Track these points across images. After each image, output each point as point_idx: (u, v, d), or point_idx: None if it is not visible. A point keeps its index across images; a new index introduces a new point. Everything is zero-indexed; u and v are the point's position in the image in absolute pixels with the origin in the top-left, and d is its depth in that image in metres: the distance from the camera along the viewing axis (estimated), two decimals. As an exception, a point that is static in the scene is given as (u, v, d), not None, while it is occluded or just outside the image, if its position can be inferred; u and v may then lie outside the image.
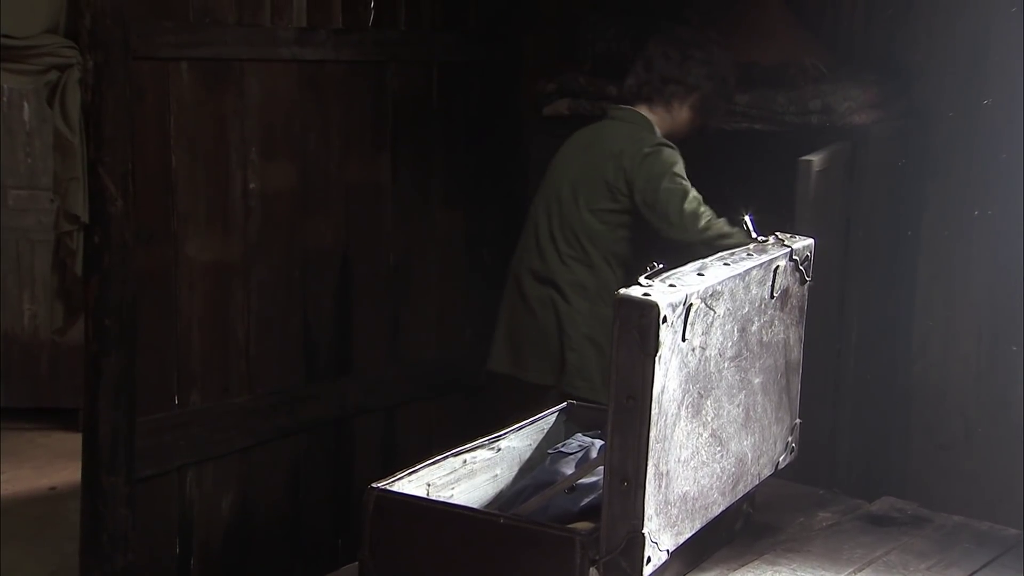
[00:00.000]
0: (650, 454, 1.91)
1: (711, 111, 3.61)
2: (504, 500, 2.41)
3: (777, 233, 2.39)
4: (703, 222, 3.36)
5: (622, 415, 1.91)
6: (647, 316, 1.87)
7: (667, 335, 1.90)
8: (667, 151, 3.49)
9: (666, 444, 1.96)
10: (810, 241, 2.41)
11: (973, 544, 2.43)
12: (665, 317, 1.88)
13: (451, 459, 2.34)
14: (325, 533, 3.98)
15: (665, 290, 1.93)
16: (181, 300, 3.53)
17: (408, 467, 2.24)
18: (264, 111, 3.69)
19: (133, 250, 3.36)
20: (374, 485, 2.14)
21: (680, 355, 1.97)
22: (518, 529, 2.03)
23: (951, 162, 3.83)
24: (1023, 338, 3.78)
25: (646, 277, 1.96)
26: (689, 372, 2.01)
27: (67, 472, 5.25)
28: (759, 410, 2.29)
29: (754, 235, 2.35)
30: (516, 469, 2.51)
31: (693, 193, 3.42)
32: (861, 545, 2.42)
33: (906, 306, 3.93)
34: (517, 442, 2.50)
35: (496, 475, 2.46)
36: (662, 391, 1.92)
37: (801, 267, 2.37)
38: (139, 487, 3.44)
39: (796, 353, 2.42)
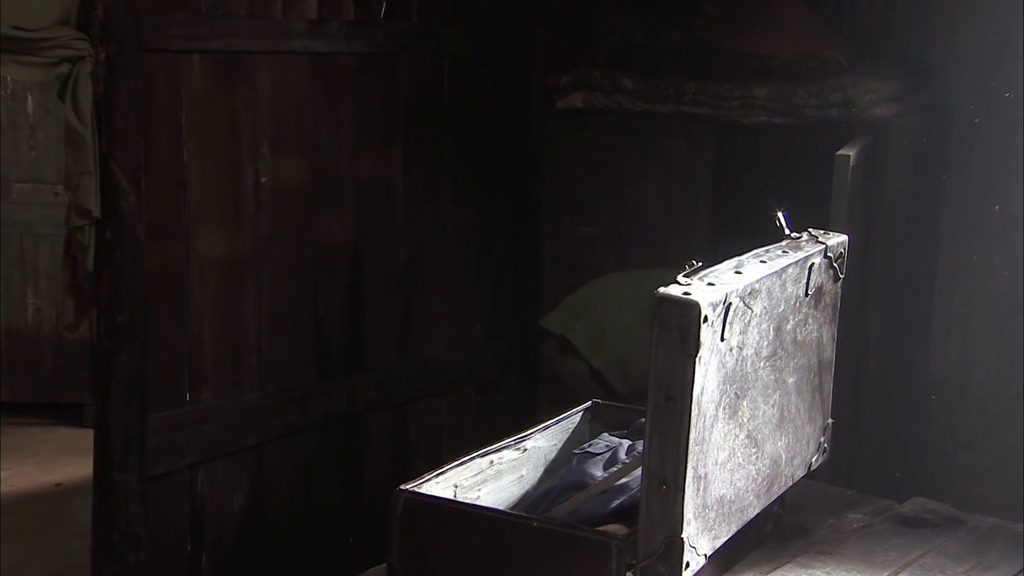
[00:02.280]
0: (689, 457, 1.87)
1: None
2: (531, 501, 2.37)
3: (810, 229, 2.34)
4: None
5: (661, 417, 1.86)
6: (688, 316, 1.83)
7: (707, 335, 1.86)
8: None
9: (704, 446, 1.92)
10: (844, 237, 2.37)
11: (1009, 546, 2.39)
12: (706, 317, 1.84)
13: (478, 460, 2.29)
14: (336, 530, 3.93)
15: (704, 289, 1.89)
16: (192, 296, 3.48)
17: (435, 468, 2.19)
18: (275, 104, 3.64)
19: (145, 245, 3.31)
20: (403, 487, 2.10)
21: (719, 355, 1.92)
22: (552, 533, 1.99)
23: (971, 157, 3.79)
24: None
25: (684, 275, 1.91)
26: (727, 372, 1.96)
27: (72, 468, 5.21)
28: (793, 410, 2.25)
29: (787, 231, 2.30)
30: (542, 469, 2.47)
31: None
32: (894, 548, 2.38)
33: (925, 303, 3.88)
34: (543, 442, 2.46)
35: (522, 476, 2.42)
36: (701, 392, 1.88)
37: (835, 264, 2.32)
38: (150, 485, 3.39)
39: (829, 352, 2.38)
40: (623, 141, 3.82)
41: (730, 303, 1.91)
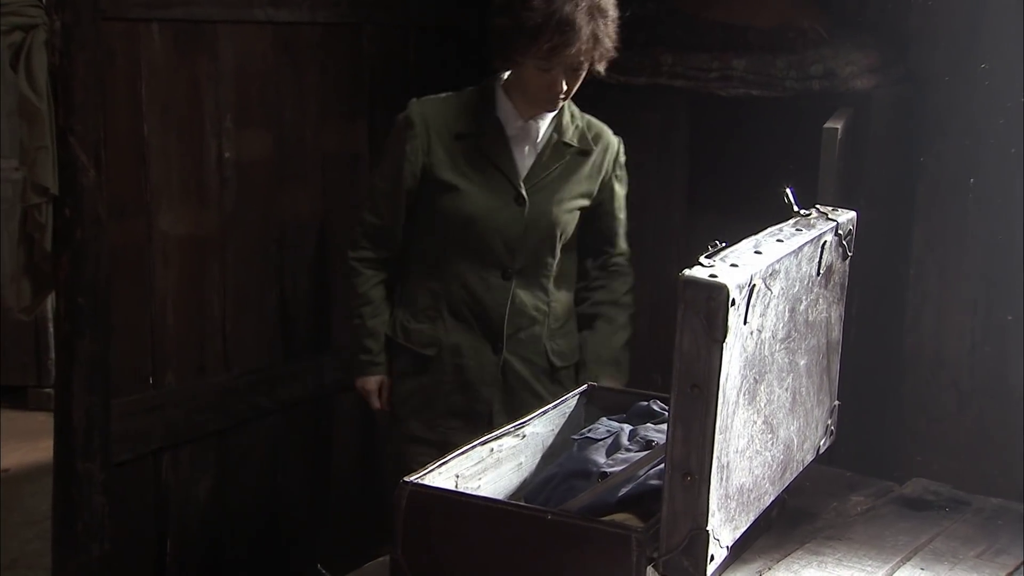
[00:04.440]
0: (715, 446, 1.79)
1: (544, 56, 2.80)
2: (531, 489, 2.28)
3: (818, 206, 2.27)
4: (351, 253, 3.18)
5: (686, 405, 1.78)
6: (715, 299, 1.75)
7: (733, 319, 1.78)
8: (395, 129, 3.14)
9: (727, 435, 1.85)
10: (852, 214, 2.30)
11: (1018, 528, 2.34)
12: (733, 300, 1.76)
13: (479, 448, 2.20)
14: (304, 514, 3.83)
15: (728, 270, 1.81)
16: (155, 277, 3.34)
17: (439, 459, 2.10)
18: (238, 76, 3.50)
19: (106, 224, 3.17)
20: (407, 480, 2.01)
21: (741, 339, 1.85)
22: (567, 526, 1.91)
23: (947, 129, 3.75)
24: (1020, 308, 3.71)
25: (707, 256, 1.83)
26: (747, 357, 1.89)
27: (20, 453, 5.04)
28: (804, 393, 2.19)
29: (796, 208, 2.22)
30: (540, 456, 2.38)
31: (367, 210, 3.15)
32: (903, 531, 2.33)
33: (901, 277, 3.85)
34: (541, 428, 2.37)
35: (521, 463, 2.33)
36: (726, 379, 1.80)
37: (844, 242, 2.26)
38: (114, 473, 3.26)
39: (837, 332, 2.32)
40: (597, 114, 3.71)
41: (754, 285, 1.84)
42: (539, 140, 3.00)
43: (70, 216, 3.11)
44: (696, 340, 1.76)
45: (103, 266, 3.17)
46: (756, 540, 2.23)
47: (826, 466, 2.56)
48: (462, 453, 2.17)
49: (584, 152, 3.04)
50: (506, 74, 3.01)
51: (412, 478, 2.01)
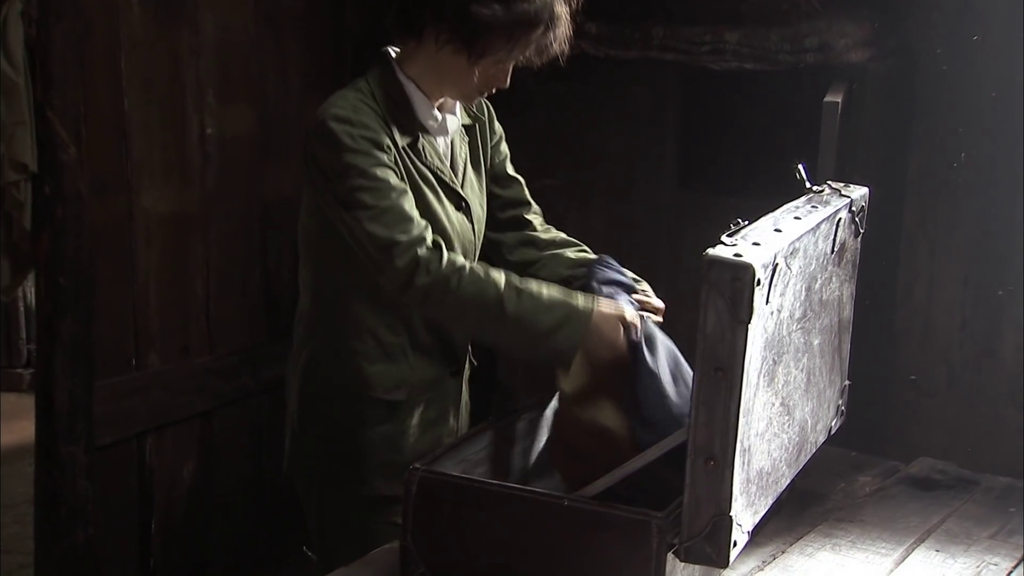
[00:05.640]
0: (739, 430, 1.75)
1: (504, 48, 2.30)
2: (533, 467, 2.23)
3: (830, 182, 2.22)
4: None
5: (709, 388, 1.73)
6: (741, 279, 1.70)
7: (758, 299, 1.73)
8: (341, 130, 2.26)
9: (749, 418, 1.80)
10: (865, 190, 2.26)
11: (1031, 507, 2.32)
12: (759, 280, 1.71)
13: (488, 431, 2.15)
14: (290, 497, 3.75)
15: (751, 249, 1.76)
16: (137, 255, 3.27)
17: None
18: (220, 50, 3.42)
19: (87, 202, 3.08)
20: (417, 465, 1.95)
21: (762, 320, 1.80)
22: (585, 512, 1.86)
23: (940, 103, 3.70)
24: (1010, 283, 3.69)
25: (728, 235, 1.78)
26: (767, 338, 1.84)
27: (-10, 435, 4.94)
28: (817, 373, 2.14)
29: (808, 184, 2.17)
30: (544, 436, 2.33)
31: (396, 206, 2.25)
32: (913, 512, 2.30)
33: (892, 251, 3.82)
34: (550, 411, 2.32)
35: (527, 447, 2.28)
36: (749, 361, 1.75)
37: (857, 219, 2.21)
38: (97, 456, 3.19)
39: (848, 310, 2.28)
40: (586, 89, 3.66)
41: (776, 264, 1.79)
42: (452, 131, 2.46)
43: (50, 194, 3.04)
44: (720, 321, 1.71)
45: (84, 245, 3.09)
46: (766, 523, 2.19)
47: (827, 445, 2.52)
48: (469, 437, 2.12)
49: (473, 124, 2.52)
50: (410, 60, 2.38)
51: (422, 464, 1.96)
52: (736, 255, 1.71)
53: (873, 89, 3.39)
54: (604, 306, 2.19)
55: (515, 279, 2.23)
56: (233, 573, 3.66)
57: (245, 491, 3.66)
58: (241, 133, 3.50)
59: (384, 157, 2.27)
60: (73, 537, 3.17)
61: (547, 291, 2.21)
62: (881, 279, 3.80)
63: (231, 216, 3.49)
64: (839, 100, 3.06)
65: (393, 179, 2.26)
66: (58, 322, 3.06)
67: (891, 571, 2.07)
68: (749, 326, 1.71)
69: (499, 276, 2.23)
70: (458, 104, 2.44)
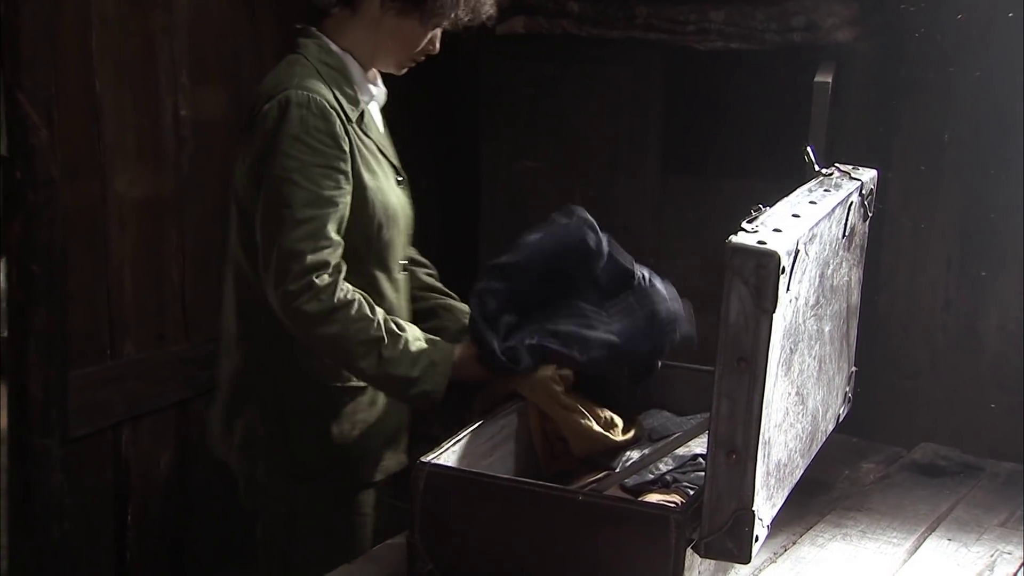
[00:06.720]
0: (761, 422, 1.70)
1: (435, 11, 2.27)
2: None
3: (838, 165, 2.18)
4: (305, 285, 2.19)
5: (732, 380, 1.68)
6: (766, 267, 1.64)
7: (781, 288, 1.68)
8: (297, 113, 2.22)
9: (769, 409, 1.75)
10: (874, 173, 2.22)
11: (1037, 493, 2.30)
12: (784, 268, 1.66)
13: (489, 425, 2.09)
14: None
15: (773, 236, 1.70)
16: (111, 241, 3.18)
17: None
18: (194, 30, 3.33)
19: (59, 186, 2.99)
20: (423, 460, 1.89)
21: (782, 308, 1.75)
22: (600, 507, 1.81)
23: (923, 83, 3.67)
24: (993, 264, 3.67)
25: (749, 221, 1.73)
26: (786, 327, 1.79)
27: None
28: (827, 361, 2.10)
29: (817, 167, 2.12)
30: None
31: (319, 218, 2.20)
32: (921, 500, 2.27)
33: (875, 233, 3.78)
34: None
35: (528, 441, 2.22)
36: (771, 351, 1.70)
37: (866, 202, 2.17)
38: (72, 448, 3.10)
39: (856, 296, 2.24)
40: (568, 69, 3.59)
41: (798, 250, 1.74)
42: (382, 103, 2.44)
43: (21, 178, 2.94)
44: (744, 311, 1.66)
45: (57, 231, 3.00)
46: (775, 513, 2.15)
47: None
48: (473, 431, 2.05)
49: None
50: (341, 32, 2.38)
51: (428, 458, 1.89)
52: (760, 242, 1.66)
53: (860, 69, 3.34)
54: (463, 349, 2.25)
55: (393, 324, 2.23)
56: (211, 566, 3.58)
57: (223, 481, 3.56)
58: (216, 115, 3.41)
59: (335, 160, 2.22)
60: (47, 531, 3.09)
61: (415, 342, 2.24)
62: (864, 261, 3.77)
63: (206, 200, 3.40)
64: (829, 80, 3.01)
65: (329, 191, 2.21)
66: (31, 311, 2.97)
67: (905, 561, 2.03)
68: (774, 316, 1.66)
69: (381, 318, 2.22)
70: (378, 76, 2.42)
